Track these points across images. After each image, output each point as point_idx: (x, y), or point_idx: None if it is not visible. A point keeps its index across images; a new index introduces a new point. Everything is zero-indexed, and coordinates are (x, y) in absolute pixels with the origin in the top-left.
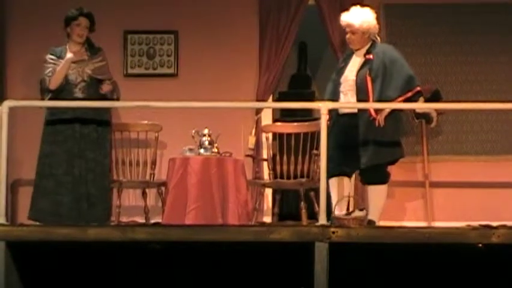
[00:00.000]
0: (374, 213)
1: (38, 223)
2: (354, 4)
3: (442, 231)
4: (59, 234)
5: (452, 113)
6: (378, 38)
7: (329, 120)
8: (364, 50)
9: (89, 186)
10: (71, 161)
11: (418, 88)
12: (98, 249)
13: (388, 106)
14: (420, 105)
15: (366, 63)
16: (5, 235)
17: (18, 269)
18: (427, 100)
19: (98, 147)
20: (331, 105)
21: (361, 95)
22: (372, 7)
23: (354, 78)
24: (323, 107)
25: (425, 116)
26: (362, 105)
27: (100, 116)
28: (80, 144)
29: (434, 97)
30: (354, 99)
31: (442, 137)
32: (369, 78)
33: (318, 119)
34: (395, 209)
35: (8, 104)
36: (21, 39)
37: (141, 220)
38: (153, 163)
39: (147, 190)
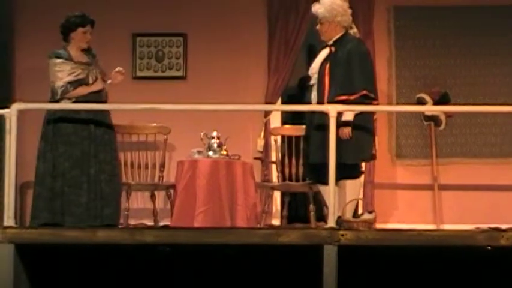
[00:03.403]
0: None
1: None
2: (363, 5)
3: (450, 234)
4: (67, 236)
5: (461, 116)
6: (354, 29)
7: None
8: (331, 42)
9: (103, 185)
10: (87, 161)
11: (373, 95)
12: (107, 252)
13: (397, 109)
14: (429, 108)
15: (329, 55)
16: (14, 237)
17: (27, 271)
18: (436, 102)
19: (109, 149)
20: (340, 107)
21: (320, 90)
22: (381, 9)
23: (317, 71)
24: (331, 109)
25: (434, 119)
26: (373, 108)
27: (107, 118)
28: (94, 145)
29: (443, 99)
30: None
31: (451, 140)
32: (326, 73)
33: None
34: (404, 211)
35: (16, 106)
36: (30, 42)
37: (150, 223)
38: (162, 166)
39: (155, 193)
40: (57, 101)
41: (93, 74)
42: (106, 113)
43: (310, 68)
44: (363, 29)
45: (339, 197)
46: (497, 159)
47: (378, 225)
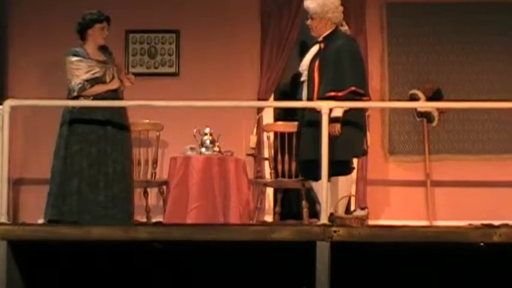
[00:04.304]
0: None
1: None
2: (355, 2)
3: (443, 230)
4: (61, 233)
5: (454, 112)
6: (345, 26)
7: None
8: (321, 38)
9: (114, 186)
10: (104, 160)
11: (362, 91)
12: (100, 249)
13: (389, 105)
14: (422, 104)
15: (318, 52)
16: (7, 234)
17: (20, 268)
18: (428, 99)
19: (121, 149)
20: (333, 104)
21: (310, 86)
22: (374, 6)
23: (307, 68)
24: (324, 106)
25: (426, 115)
26: (366, 104)
27: (123, 118)
28: (109, 144)
29: (436, 96)
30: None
31: (444, 136)
32: (316, 69)
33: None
34: (397, 208)
35: (9, 103)
36: (23, 39)
37: (143, 219)
38: (155, 162)
39: (148, 189)
40: (74, 99)
41: (110, 72)
42: (122, 112)
43: (301, 65)
44: (355, 26)
45: (331, 194)
46: (490, 155)
47: (371, 222)
